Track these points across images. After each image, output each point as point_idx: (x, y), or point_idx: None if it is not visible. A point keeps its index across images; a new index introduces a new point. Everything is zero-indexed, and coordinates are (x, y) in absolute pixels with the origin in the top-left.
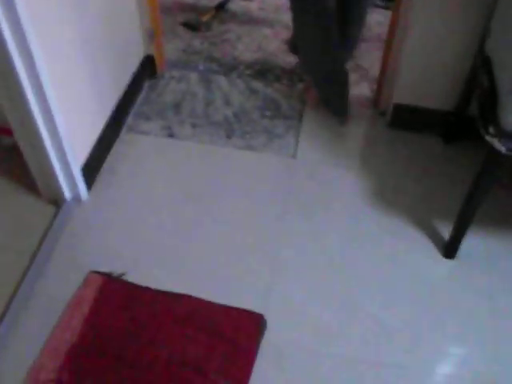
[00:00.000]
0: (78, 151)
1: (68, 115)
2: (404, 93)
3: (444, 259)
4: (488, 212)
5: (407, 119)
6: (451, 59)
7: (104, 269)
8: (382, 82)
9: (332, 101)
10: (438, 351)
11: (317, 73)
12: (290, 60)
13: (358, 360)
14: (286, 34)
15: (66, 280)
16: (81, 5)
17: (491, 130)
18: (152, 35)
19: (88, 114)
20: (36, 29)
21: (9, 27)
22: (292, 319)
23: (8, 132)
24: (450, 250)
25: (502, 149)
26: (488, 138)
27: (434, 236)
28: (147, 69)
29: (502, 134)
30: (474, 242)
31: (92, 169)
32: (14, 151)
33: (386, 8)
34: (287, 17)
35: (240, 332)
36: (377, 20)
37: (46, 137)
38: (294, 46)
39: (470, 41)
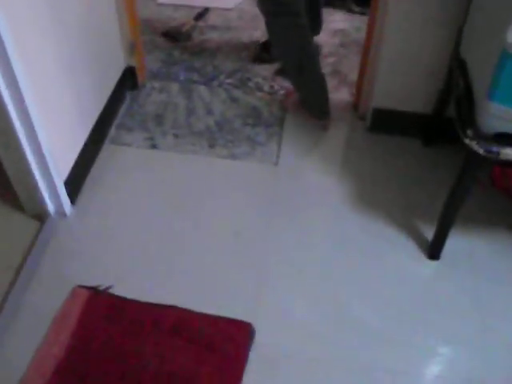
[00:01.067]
0: (61, 165)
1: (50, 129)
2: (383, 97)
3: (428, 260)
4: (470, 212)
5: (387, 123)
6: (428, 63)
7: (90, 283)
8: (360, 87)
9: (314, 104)
10: (427, 353)
11: (297, 76)
12: (271, 67)
13: (347, 365)
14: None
15: (53, 295)
16: (61, 19)
17: (469, 132)
18: (133, 47)
19: (70, 127)
20: (17, 43)
21: None
22: (280, 326)
23: None
24: (433, 251)
25: (481, 151)
26: (466, 140)
27: (417, 238)
28: (128, 80)
29: (480, 137)
30: (457, 242)
31: (75, 182)
32: None
33: (363, 14)
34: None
35: (229, 342)
36: (354, 26)
37: (29, 151)
38: (260, 57)
39: (446, 44)
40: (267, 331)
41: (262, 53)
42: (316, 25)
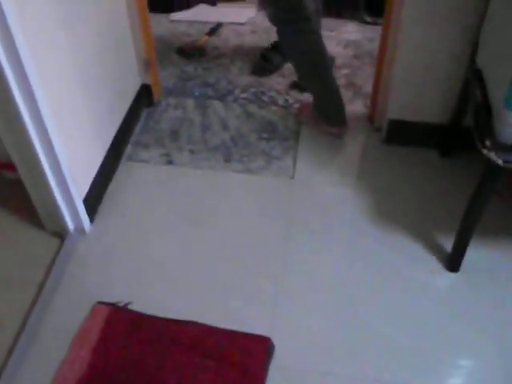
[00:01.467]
0: (80, 183)
1: (69, 148)
2: (398, 108)
3: (448, 272)
4: (489, 223)
5: (403, 134)
6: (443, 73)
7: (110, 298)
8: (375, 99)
9: (331, 112)
10: (447, 366)
11: (312, 82)
12: (285, 81)
13: (366, 379)
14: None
15: (73, 311)
16: (78, 39)
17: (487, 143)
18: (148, 65)
19: (88, 145)
20: (36, 64)
21: (8, 62)
22: (299, 341)
23: (11, 167)
24: (453, 262)
25: (499, 161)
26: (485, 151)
27: (436, 250)
28: (144, 98)
29: (498, 147)
30: (476, 254)
31: (94, 199)
32: (18, 185)
33: (375, 24)
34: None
35: (248, 357)
36: (367, 36)
37: (48, 170)
38: (261, 67)
39: (461, 54)
40: (285, 345)
41: (262, 63)
42: None
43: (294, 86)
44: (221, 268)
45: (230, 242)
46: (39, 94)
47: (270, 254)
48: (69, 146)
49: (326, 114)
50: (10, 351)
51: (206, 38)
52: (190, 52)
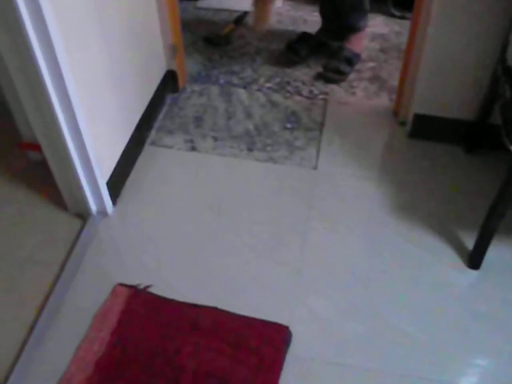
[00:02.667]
0: (104, 166)
1: (94, 130)
2: (424, 103)
3: (469, 270)
4: None
5: (428, 129)
6: (471, 68)
7: (130, 281)
8: (401, 93)
9: None
10: (465, 363)
11: None
12: (310, 72)
13: (383, 373)
14: None
15: (94, 292)
16: (107, 24)
17: None
18: (174, 51)
19: (113, 129)
20: (65, 47)
21: (39, 45)
22: (316, 332)
23: (37, 147)
24: (474, 260)
25: None
26: None
27: (457, 246)
28: (169, 84)
29: None
30: (499, 252)
31: (117, 182)
32: (43, 166)
33: (402, 18)
34: (304, 28)
35: (266, 344)
36: (394, 30)
37: (73, 152)
38: (290, 59)
39: (491, 50)
40: (303, 335)
41: (288, 54)
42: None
43: (320, 76)
44: (240, 256)
45: (251, 229)
46: (67, 77)
47: (290, 243)
48: (94, 128)
49: None
50: (32, 329)
51: (232, 26)
52: (216, 40)
